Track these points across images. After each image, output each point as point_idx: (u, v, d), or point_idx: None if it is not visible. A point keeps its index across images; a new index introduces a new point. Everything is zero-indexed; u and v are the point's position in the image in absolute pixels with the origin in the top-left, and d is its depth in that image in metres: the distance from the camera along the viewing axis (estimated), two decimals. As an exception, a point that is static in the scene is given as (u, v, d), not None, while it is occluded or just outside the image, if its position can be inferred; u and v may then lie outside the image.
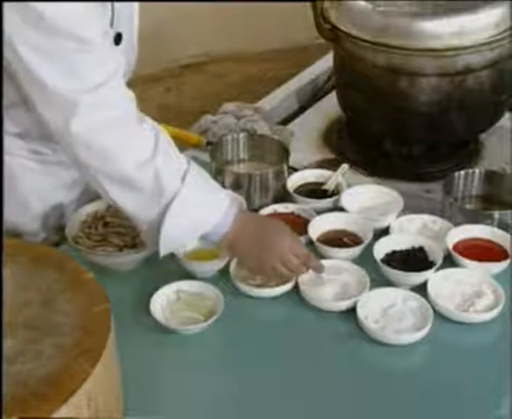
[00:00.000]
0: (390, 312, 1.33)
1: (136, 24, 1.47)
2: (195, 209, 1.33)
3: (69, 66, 1.23)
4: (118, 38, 1.39)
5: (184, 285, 1.38)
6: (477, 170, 1.63)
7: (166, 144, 1.33)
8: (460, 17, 1.61)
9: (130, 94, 1.40)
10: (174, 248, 1.37)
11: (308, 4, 1.73)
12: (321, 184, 1.66)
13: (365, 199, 1.60)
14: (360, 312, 1.32)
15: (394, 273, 1.40)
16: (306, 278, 1.40)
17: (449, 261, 1.44)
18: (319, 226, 1.52)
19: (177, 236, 1.34)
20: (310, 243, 1.49)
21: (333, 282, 1.40)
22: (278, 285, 1.39)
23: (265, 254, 1.36)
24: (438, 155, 1.79)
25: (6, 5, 1.18)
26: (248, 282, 1.40)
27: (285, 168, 1.64)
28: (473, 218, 1.50)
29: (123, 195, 1.32)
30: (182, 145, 1.85)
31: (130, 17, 1.44)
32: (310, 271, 1.41)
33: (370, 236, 1.48)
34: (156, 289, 1.36)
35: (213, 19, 4.10)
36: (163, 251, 1.35)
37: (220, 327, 1.32)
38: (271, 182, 1.61)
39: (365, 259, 1.45)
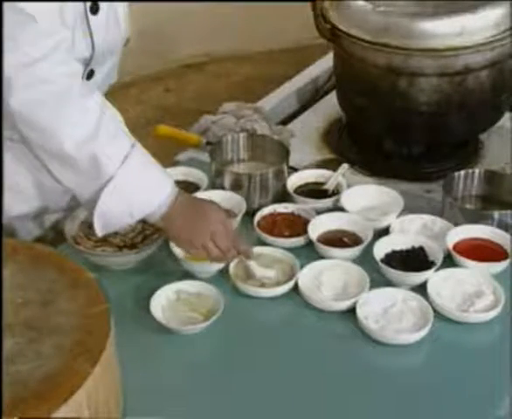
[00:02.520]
0: (391, 312, 1.33)
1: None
2: (131, 192, 1.33)
3: (7, 39, 1.23)
4: (95, 8, 1.39)
5: (184, 285, 1.38)
6: (477, 170, 1.63)
7: (111, 124, 1.34)
8: (460, 17, 1.61)
9: (75, 69, 1.35)
10: (111, 229, 1.38)
11: (308, 4, 1.73)
12: (321, 184, 1.66)
13: (365, 199, 1.60)
14: (360, 312, 1.32)
15: (394, 273, 1.40)
16: (306, 278, 1.40)
17: (449, 261, 1.44)
18: (319, 226, 1.52)
19: (113, 217, 1.34)
20: (310, 243, 1.49)
21: (333, 282, 1.40)
22: (278, 284, 1.40)
23: (196, 229, 1.37)
24: (438, 155, 1.79)
25: None
26: (248, 282, 1.40)
27: (285, 168, 1.64)
28: (473, 218, 1.50)
29: (62, 170, 1.33)
30: (182, 145, 1.86)
31: None
32: (310, 273, 1.41)
33: (370, 236, 1.48)
34: (156, 289, 1.36)
35: (213, 19, 4.10)
36: (100, 231, 1.36)
37: (220, 327, 1.32)
38: (271, 181, 1.61)
39: (365, 259, 1.45)
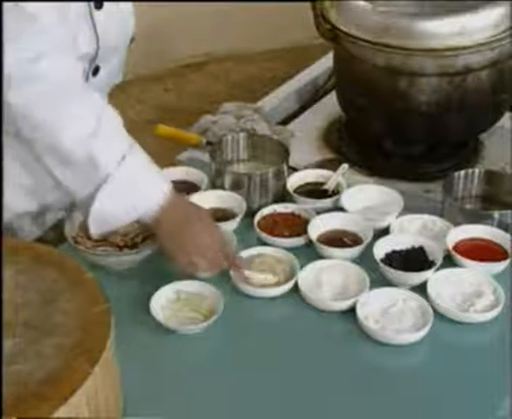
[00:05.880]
0: (390, 312, 1.33)
1: None
2: (127, 193, 1.33)
3: (7, 37, 1.23)
4: (99, 4, 1.40)
5: (184, 285, 1.38)
6: (477, 170, 1.63)
7: (110, 123, 1.34)
8: (460, 17, 1.61)
9: (75, 66, 1.37)
10: (106, 229, 1.38)
11: (308, 4, 1.73)
12: (321, 184, 1.66)
13: (365, 199, 1.60)
14: (360, 312, 1.32)
15: (394, 273, 1.40)
16: (306, 278, 1.40)
17: (449, 261, 1.44)
18: (319, 226, 1.52)
19: (108, 217, 1.34)
20: (310, 243, 1.49)
21: (333, 282, 1.40)
22: (277, 284, 1.40)
23: (181, 243, 1.36)
24: (438, 155, 1.79)
25: None
26: (248, 282, 1.40)
27: (285, 168, 1.64)
28: (473, 218, 1.50)
29: (59, 167, 1.33)
30: (182, 145, 1.86)
31: None
32: (310, 273, 1.41)
33: (370, 236, 1.48)
34: (156, 289, 1.36)
35: (213, 19, 4.10)
36: (95, 231, 1.36)
37: (220, 327, 1.32)
38: (271, 182, 1.61)
39: (365, 259, 1.45)
